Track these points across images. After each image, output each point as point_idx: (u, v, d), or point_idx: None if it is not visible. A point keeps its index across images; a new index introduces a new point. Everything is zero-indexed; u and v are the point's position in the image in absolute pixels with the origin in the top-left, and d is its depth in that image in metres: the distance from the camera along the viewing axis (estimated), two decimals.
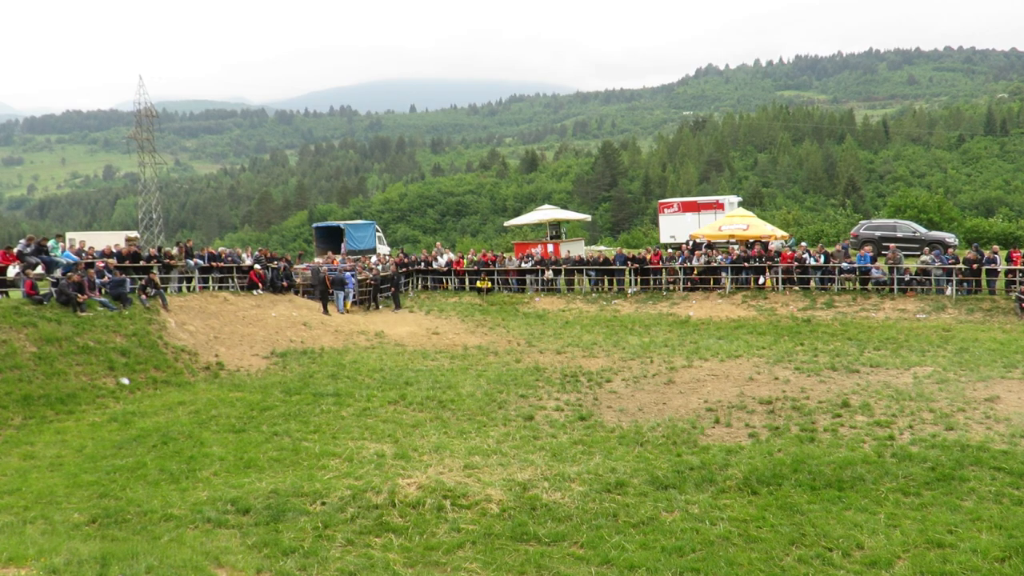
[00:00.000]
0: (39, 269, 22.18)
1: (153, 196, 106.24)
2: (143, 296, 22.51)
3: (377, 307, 29.85)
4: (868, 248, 31.01)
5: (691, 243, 35.13)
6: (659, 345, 22.71)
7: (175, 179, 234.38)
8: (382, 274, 30.98)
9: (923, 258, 28.07)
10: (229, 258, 28.22)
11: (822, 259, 28.98)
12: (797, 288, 28.54)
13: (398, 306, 29.98)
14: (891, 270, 27.42)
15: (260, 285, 27.59)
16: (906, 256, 29.73)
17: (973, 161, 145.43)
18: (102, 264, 23.05)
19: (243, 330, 23.46)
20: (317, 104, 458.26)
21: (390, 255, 39.92)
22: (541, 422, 15.13)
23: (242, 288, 27.52)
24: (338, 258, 33.84)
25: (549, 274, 32.66)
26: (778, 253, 30.00)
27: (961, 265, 26.56)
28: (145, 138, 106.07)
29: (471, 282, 33.39)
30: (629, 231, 79.37)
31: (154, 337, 20.64)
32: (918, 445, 12.52)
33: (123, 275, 22.84)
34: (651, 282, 31.29)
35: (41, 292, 20.42)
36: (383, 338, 24.85)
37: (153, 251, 26.91)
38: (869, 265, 28.12)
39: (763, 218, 42.87)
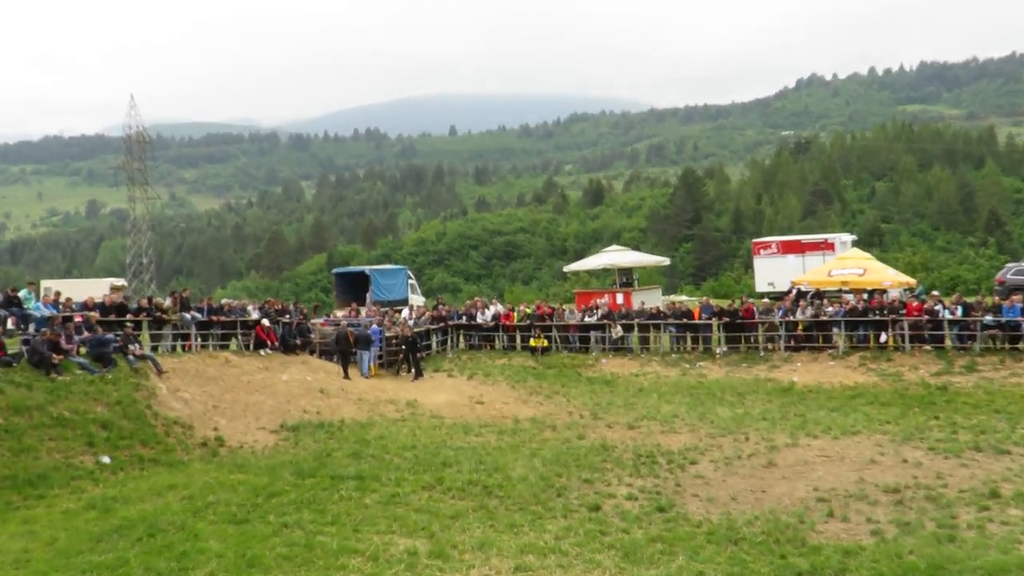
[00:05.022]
0: (9, 324, 22.63)
1: (144, 237, 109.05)
2: (130, 356, 22.72)
3: (409, 370, 29.86)
4: (1018, 297, 30.35)
5: (794, 292, 34.84)
6: (756, 418, 22.46)
7: (170, 216, 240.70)
8: (413, 332, 30.88)
9: None
10: (232, 312, 28.65)
11: (959, 311, 28.45)
12: (928, 348, 28.11)
13: (418, 374, 29.64)
14: None
15: (269, 343, 27.93)
16: None
17: None
18: (82, 319, 23.51)
19: (248, 398, 23.72)
20: (339, 126, 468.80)
21: (424, 307, 40.24)
22: (610, 513, 14.96)
23: (247, 347, 27.90)
24: (363, 311, 34.13)
25: (618, 330, 32.57)
26: (903, 304, 29.56)
27: None
28: (136, 168, 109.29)
29: (523, 340, 33.42)
30: (717, 277, 79.26)
31: (141, 406, 20.92)
32: None
33: (106, 332, 23.24)
34: (745, 340, 31.07)
35: (10, 352, 20.76)
36: (416, 408, 24.92)
37: (143, 302, 27.46)
38: (1020, 319, 27.49)
39: (883, 260, 42.44)
